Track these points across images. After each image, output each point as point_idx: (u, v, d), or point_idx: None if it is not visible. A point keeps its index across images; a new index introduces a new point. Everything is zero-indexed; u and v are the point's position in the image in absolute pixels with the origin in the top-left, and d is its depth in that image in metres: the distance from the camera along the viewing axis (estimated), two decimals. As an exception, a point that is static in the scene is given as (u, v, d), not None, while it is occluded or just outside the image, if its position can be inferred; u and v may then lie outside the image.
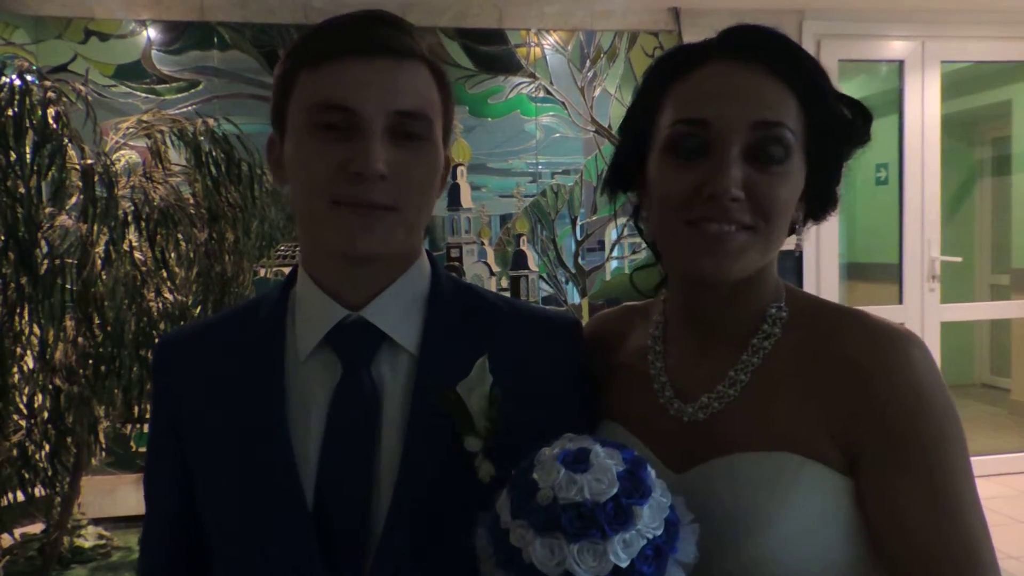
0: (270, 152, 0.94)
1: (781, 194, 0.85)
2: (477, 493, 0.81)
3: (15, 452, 2.62)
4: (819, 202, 0.94)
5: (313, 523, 0.85)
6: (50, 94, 2.52)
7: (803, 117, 0.87)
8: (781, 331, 0.91)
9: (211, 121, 2.95)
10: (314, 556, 0.85)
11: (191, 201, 2.87)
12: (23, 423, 2.66)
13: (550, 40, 4.32)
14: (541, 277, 4.42)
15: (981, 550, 0.80)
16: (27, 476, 2.67)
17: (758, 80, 0.85)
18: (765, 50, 0.87)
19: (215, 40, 4.00)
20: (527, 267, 4.41)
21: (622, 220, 4.43)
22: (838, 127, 0.89)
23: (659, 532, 0.71)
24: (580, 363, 0.99)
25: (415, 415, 0.87)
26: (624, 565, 0.68)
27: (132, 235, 2.69)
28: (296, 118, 0.87)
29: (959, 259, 4.75)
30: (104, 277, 2.57)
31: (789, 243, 0.97)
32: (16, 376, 2.61)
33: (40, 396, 2.66)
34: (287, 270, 0.99)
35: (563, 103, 4.35)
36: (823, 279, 4.46)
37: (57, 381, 2.65)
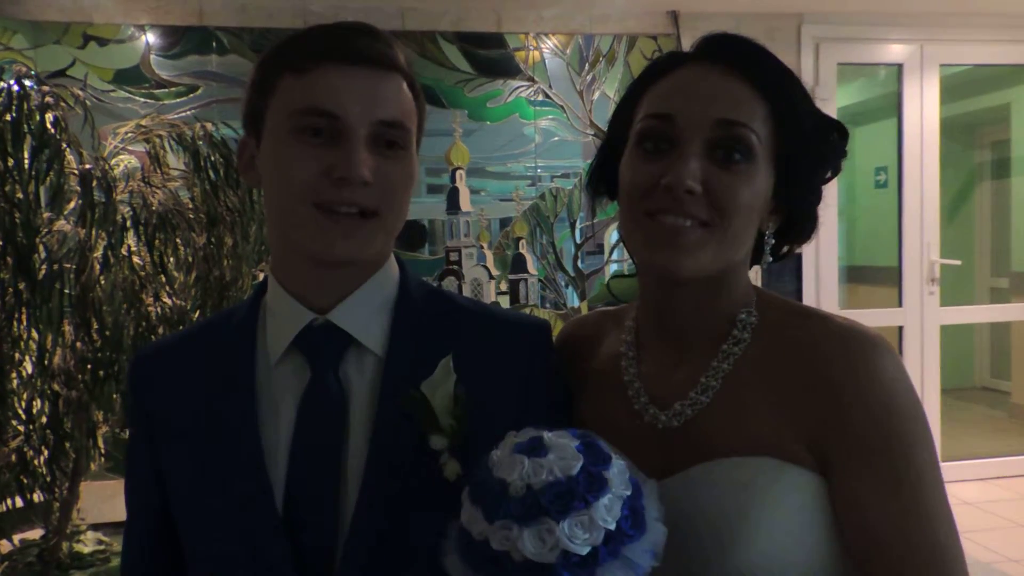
0: (241, 154, 0.95)
1: (740, 193, 0.86)
2: (444, 492, 0.83)
3: (14, 458, 2.61)
4: (796, 218, 0.94)
5: (282, 523, 0.87)
6: (48, 99, 2.51)
7: (772, 124, 0.88)
8: (751, 336, 0.91)
9: (210, 125, 2.94)
10: (283, 555, 0.86)
11: (190, 205, 2.87)
12: (21, 428, 2.65)
13: (549, 44, 4.32)
14: (540, 281, 4.42)
15: (948, 554, 0.81)
16: (26, 482, 2.66)
17: (727, 81, 0.87)
18: (739, 56, 0.89)
19: (214, 45, 4.00)
20: (526, 271, 4.40)
21: (621, 224, 4.42)
22: (810, 140, 0.90)
23: (629, 492, 0.73)
24: (549, 365, 0.99)
25: (381, 416, 0.89)
26: (612, 527, 0.70)
27: (131, 240, 2.68)
28: (277, 121, 0.88)
29: (959, 262, 4.74)
30: (102, 282, 2.56)
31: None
32: (15, 381, 2.60)
33: (39, 401, 2.65)
34: (261, 280, 1.00)
35: (562, 107, 4.35)
36: (822, 282, 4.46)
37: (55, 386, 2.64)
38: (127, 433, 2.89)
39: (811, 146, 0.90)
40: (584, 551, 0.69)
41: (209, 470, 0.91)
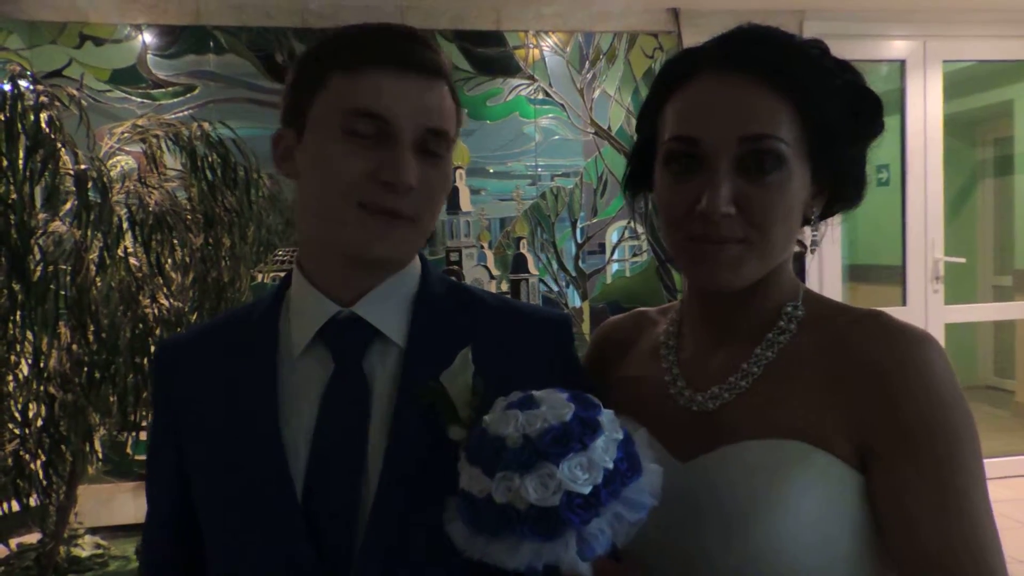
0: (277, 145, 0.96)
1: (775, 204, 0.86)
2: None
3: (10, 461, 2.60)
4: (843, 189, 0.94)
5: (301, 513, 0.87)
6: (43, 99, 2.50)
7: (800, 122, 0.87)
8: (796, 328, 0.92)
9: (207, 125, 2.92)
10: (303, 546, 0.86)
11: (187, 206, 2.86)
12: (17, 432, 2.64)
13: (549, 42, 4.30)
14: (541, 280, 4.39)
15: (989, 554, 0.81)
16: (22, 486, 2.65)
17: (745, 92, 0.86)
18: (755, 58, 0.87)
19: (211, 44, 3.98)
20: (527, 270, 4.38)
21: (622, 223, 4.41)
22: (841, 124, 0.88)
23: (621, 436, 0.76)
24: (570, 358, 1.01)
25: (401, 406, 0.90)
26: (611, 467, 0.73)
27: (127, 241, 2.67)
28: (324, 118, 0.89)
29: (963, 260, 4.72)
30: (98, 283, 2.55)
31: (806, 236, 0.98)
32: (10, 384, 2.59)
33: (34, 404, 2.64)
34: (285, 275, 1.01)
35: (562, 105, 4.33)
36: (826, 281, 4.44)
37: (51, 389, 2.62)
38: (124, 436, 2.91)
39: (842, 129, 0.89)
40: (586, 490, 0.71)
41: (229, 460, 0.92)
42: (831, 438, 0.84)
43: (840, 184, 0.93)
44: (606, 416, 0.77)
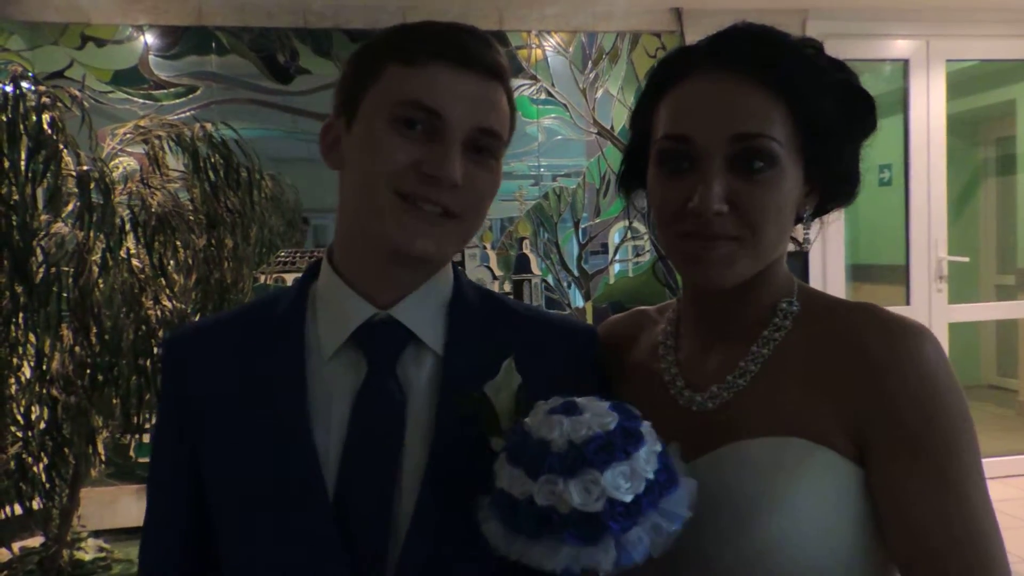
0: (326, 135, 0.94)
1: (767, 202, 0.86)
2: None
3: (12, 464, 2.58)
4: (836, 187, 0.94)
5: (335, 525, 0.85)
6: (45, 99, 2.49)
7: (792, 120, 0.87)
8: (792, 324, 0.92)
9: (209, 126, 2.91)
10: (336, 553, 0.84)
11: (189, 207, 2.85)
12: (20, 435, 2.63)
13: (551, 42, 4.29)
14: (544, 281, 4.38)
15: (989, 545, 0.81)
16: (25, 489, 2.64)
17: (738, 91, 0.87)
18: (748, 57, 0.87)
19: (213, 45, 3.97)
20: (530, 271, 4.37)
21: (625, 223, 4.39)
22: (834, 123, 0.88)
23: (660, 448, 0.77)
24: (598, 370, 1.01)
25: (441, 416, 0.88)
26: (652, 477, 0.74)
27: (130, 242, 2.66)
28: (375, 107, 0.87)
29: (967, 259, 4.71)
30: (101, 285, 2.54)
31: (799, 234, 0.98)
32: (13, 387, 2.58)
33: (37, 407, 2.63)
34: (288, 276, 0.99)
35: (565, 105, 4.32)
36: (829, 281, 4.42)
37: (54, 391, 2.61)
38: (127, 439, 2.89)
39: (835, 127, 0.89)
40: (628, 499, 0.72)
41: (255, 467, 0.88)
42: (831, 434, 0.84)
43: (833, 182, 0.93)
44: (646, 426, 0.78)
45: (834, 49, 0.92)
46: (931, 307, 4.56)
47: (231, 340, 0.95)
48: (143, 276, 2.67)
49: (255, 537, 0.88)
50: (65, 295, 2.49)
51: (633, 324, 1.09)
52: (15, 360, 2.53)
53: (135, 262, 2.68)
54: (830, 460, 0.83)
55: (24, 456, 2.61)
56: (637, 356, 1.04)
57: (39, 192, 2.46)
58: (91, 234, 2.48)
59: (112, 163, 2.81)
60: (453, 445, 0.86)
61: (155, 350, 2.62)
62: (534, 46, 4.27)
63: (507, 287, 4.34)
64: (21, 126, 2.38)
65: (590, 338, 1.02)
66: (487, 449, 0.83)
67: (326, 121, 0.94)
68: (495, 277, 4.32)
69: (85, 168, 2.52)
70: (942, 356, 0.85)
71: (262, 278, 3.42)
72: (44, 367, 2.53)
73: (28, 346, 2.54)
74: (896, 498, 0.82)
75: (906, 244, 4.59)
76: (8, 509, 2.65)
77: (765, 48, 0.88)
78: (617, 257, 4.47)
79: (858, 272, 5.66)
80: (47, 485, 2.69)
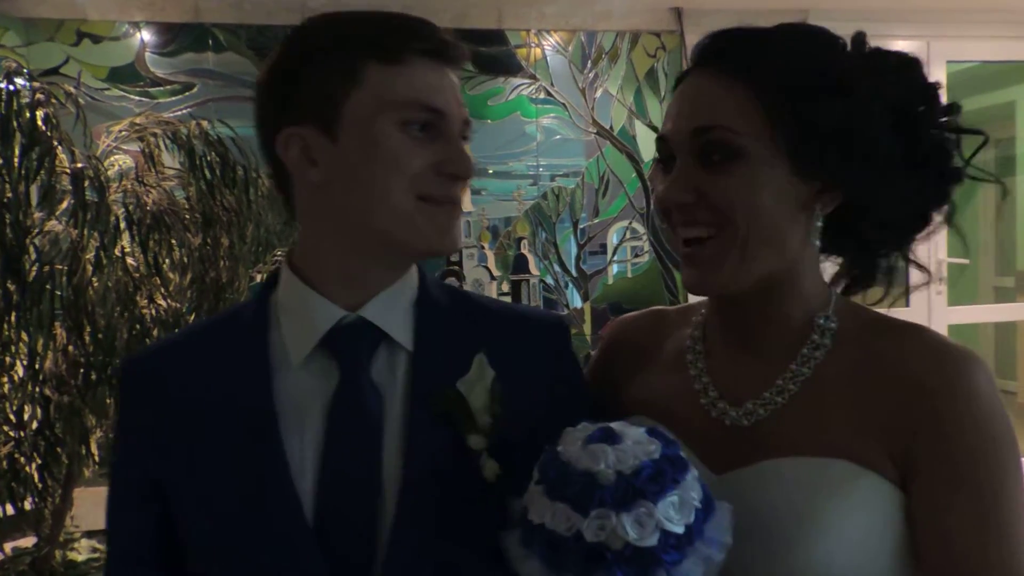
0: (288, 147, 0.86)
1: (736, 194, 0.85)
2: (482, 493, 0.83)
3: (4, 464, 2.56)
4: (847, 183, 0.87)
5: (314, 537, 0.83)
6: (39, 96, 2.47)
7: (768, 115, 0.83)
8: (831, 342, 0.90)
9: (205, 124, 2.89)
10: (317, 567, 0.82)
11: (185, 205, 2.82)
12: (12, 434, 2.61)
13: (551, 41, 4.27)
14: (542, 281, 4.37)
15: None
16: (17, 489, 2.61)
17: (703, 85, 0.88)
18: (721, 53, 0.87)
19: (210, 42, 3.95)
20: (528, 271, 4.35)
21: (624, 223, 4.38)
22: (823, 113, 0.83)
23: (697, 472, 0.76)
24: (570, 358, 1.01)
25: (415, 417, 0.87)
26: (699, 505, 0.72)
27: (124, 240, 2.63)
28: (369, 113, 0.84)
29: (967, 261, 4.70)
30: (95, 284, 2.52)
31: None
32: (5, 386, 2.56)
33: (29, 406, 2.60)
34: (267, 279, 0.95)
35: (564, 104, 4.30)
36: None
37: (47, 391, 2.59)
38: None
39: (835, 128, 0.84)
40: (680, 530, 0.70)
41: (227, 487, 0.86)
42: (875, 458, 0.83)
43: (853, 191, 0.88)
44: (684, 451, 0.77)
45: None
46: (930, 309, 4.56)
47: (193, 358, 0.92)
48: (138, 275, 2.65)
49: (230, 555, 0.85)
50: (58, 293, 2.46)
51: (652, 325, 1.08)
52: (7, 359, 2.51)
53: (130, 260, 2.65)
54: (875, 484, 0.83)
55: (16, 456, 2.58)
56: (660, 359, 1.03)
57: (32, 189, 2.44)
58: (85, 232, 2.45)
59: (107, 160, 2.78)
60: (430, 447, 0.85)
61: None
62: (533, 45, 4.25)
63: (505, 287, 4.32)
64: (15, 123, 2.36)
65: (561, 329, 1.02)
66: (465, 448, 0.82)
67: (284, 132, 0.86)
68: (493, 277, 4.31)
69: (80, 165, 2.50)
70: (992, 386, 0.85)
71: (258, 277, 3.40)
72: (37, 366, 2.51)
73: (21, 345, 2.52)
74: (935, 526, 0.82)
75: (906, 245, 4.58)
76: (0, 509, 2.62)
77: (736, 43, 0.89)
78: (616, 258, 4.45)
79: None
80: (40, 485, 2.66)
